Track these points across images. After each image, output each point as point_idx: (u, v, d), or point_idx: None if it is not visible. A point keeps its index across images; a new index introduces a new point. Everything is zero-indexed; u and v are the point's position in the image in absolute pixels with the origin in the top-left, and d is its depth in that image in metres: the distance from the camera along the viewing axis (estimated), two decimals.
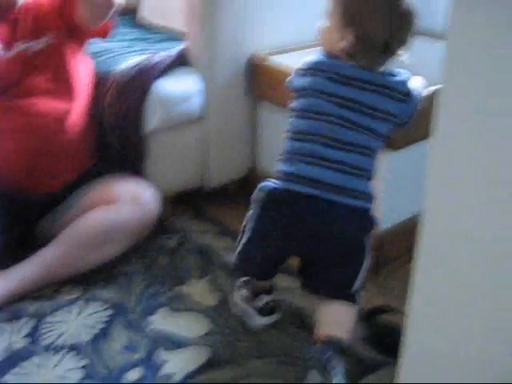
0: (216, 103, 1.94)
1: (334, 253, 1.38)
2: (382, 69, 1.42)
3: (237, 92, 1.97)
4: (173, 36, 2.20)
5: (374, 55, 1.41)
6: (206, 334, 1.51)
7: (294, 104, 1.48)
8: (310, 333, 1.45)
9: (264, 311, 1.54)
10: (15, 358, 1.42)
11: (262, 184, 1.43)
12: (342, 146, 1.38)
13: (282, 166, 1.43)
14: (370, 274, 1.70)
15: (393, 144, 1.55)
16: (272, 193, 1.40)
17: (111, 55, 2.01)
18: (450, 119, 0.89)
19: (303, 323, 1.54)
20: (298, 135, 1.43)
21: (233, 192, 2.16)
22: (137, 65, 1.88)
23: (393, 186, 1.64)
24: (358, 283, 1.39)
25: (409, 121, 1.44)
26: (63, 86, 1.81)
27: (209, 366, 1.41)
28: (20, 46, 1.80)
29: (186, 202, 2.08)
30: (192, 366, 1.41)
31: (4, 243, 1.67)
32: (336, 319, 1.38)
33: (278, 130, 1.93)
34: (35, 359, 1.42)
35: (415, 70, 1.47)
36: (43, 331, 1.51)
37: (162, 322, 1.55)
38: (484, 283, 0.93)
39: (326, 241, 1.37)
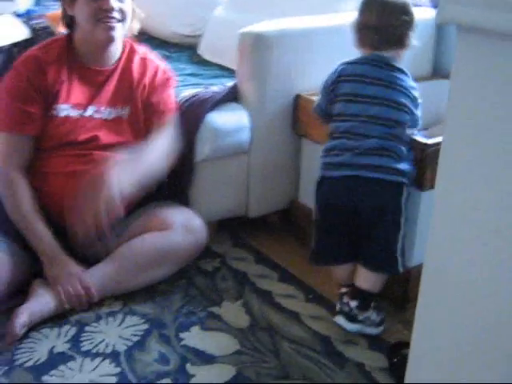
0: (262, 137, 2.04)
1: (378, 216, 1.62)
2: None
3: (282, 128, 2.07)
4: (225, 73, 2.33)
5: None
6: (233, 353, 1.59)
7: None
8: (331, 360, 1.56)
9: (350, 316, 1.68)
10: (55, 361, 1.53)
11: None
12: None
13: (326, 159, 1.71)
14: (397, 310, 1.76)
15: (422, 184, 1.62)
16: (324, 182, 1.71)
17: None
18: (453, 165, 0.95)
19: (326, 350, 1.60)
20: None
21: (273, 222, 2.25)
22: (191, 97, 1.99)
23: (421, 226, 1.69)
24: (398, 251, 1.63)
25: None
26: (129, 141, 1.86)
27: (233, 382, 1.49)
28: (103, 111, 1.84)
29: (226, 229, 2.18)
30: (217, 381, 1.49)
31: None
32: (371, 277, 1.67)
33: (319, 165, 2.02)
34: (73, 363, 1.53)
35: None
36: (83, 339, 1.62)
37: (194, 339, 1.64)
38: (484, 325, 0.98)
39: (371, 204, 1.62)
